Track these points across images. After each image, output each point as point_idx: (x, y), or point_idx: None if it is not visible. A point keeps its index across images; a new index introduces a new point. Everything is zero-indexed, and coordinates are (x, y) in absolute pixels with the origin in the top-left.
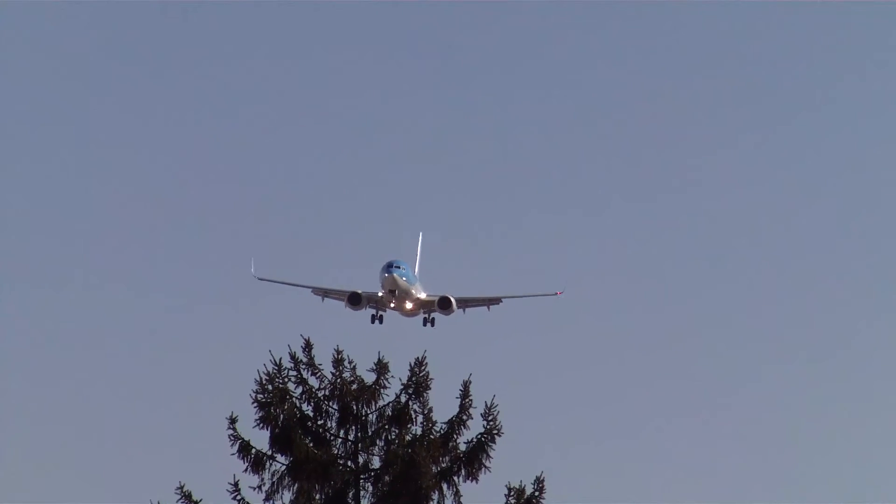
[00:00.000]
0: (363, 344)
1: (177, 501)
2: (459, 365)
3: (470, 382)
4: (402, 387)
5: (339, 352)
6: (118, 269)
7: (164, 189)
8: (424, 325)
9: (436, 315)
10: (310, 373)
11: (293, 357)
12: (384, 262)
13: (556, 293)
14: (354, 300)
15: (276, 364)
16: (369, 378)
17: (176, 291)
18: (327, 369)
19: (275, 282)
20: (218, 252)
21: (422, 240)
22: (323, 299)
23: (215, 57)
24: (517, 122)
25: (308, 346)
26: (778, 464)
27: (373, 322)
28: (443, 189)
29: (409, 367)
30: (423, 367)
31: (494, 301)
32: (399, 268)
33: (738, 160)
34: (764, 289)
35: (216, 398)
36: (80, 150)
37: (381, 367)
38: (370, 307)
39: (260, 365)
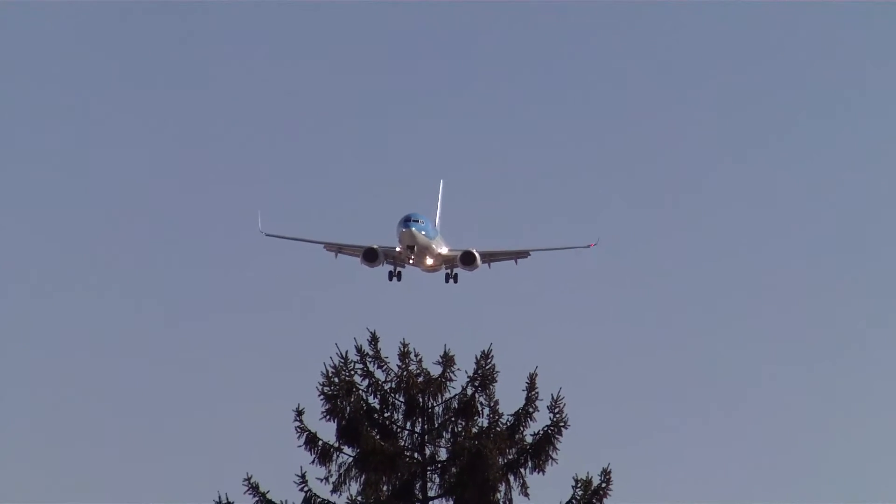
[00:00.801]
0: (381, 303)
1: (244, 493)
2: (485, 325)
3: (536, 375)
4: (468, 379)
5: (405, 345)
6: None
7: (161, 142)
8: (447, 281)
9: (459, 271)
10: (376, 365)
11: (359, 350)
12: (402, 216)
13: (589, 245)
14: (370, 256)
15: (342, 357)
16: (435, 371)
17: (182, 254)
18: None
19: (284, 238)
20: (223, 207)
21: (443, 188)
22: (336, 255)
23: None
24: (546, 64)
25: (374, 339)
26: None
27: (391, 279)
28: (464, 135)
29: (475, 360)
30: (489, 360)
31: (522, 254)
32: (418, 221)
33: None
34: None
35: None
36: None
37: (447, 360)
38: (387, 263)
39: (282, 327)
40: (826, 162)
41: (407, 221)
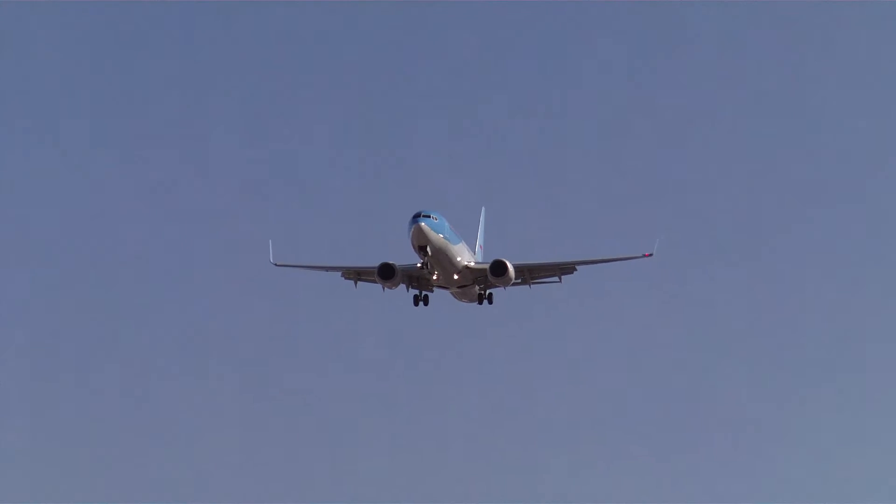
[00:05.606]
0: (403, 329)
1: None
2: (525, 359)
3: None
4: None
5: None
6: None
7: (164, 166)
8: (480, 302)
9: (493, 290)
10: None
11: None
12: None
13: (645, 255)
14: (386, 273)
15: None
16: None
17: (189, 287)
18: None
19: (296, 266)
20: (231, 239)
21: (485, 216)
22: (356, 284)
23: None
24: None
25: None
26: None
27: (416, 304)
28: (493, 151)
29: None
30: None
31: (566, 268)
32: (429, 217)
33: None
34: None
35: None
36: (81, 126)
37: None
38: (412, 289)
39: None
40: None
41: (416, 217)
